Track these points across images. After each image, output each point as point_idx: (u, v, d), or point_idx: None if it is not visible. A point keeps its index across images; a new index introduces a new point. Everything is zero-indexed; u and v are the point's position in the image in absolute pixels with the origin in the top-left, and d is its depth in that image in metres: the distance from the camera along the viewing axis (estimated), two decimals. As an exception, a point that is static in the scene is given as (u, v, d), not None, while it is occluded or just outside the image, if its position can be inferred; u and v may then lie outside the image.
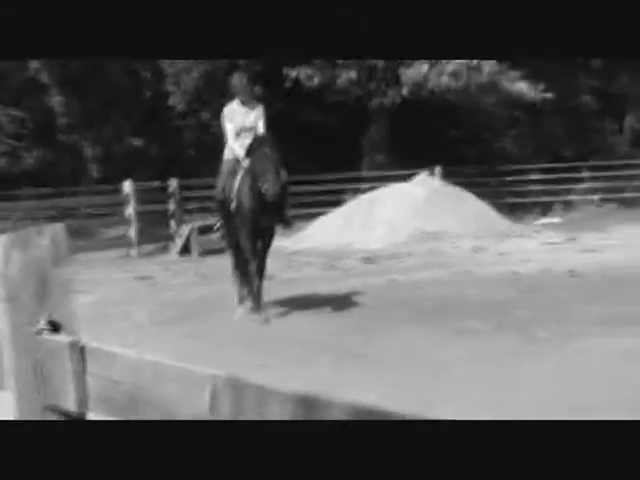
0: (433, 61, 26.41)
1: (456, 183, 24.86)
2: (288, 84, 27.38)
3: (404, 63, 26.64)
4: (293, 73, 26.79)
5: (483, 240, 21.36)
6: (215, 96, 28.94)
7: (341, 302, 13.51)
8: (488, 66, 26.63)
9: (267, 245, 12.75)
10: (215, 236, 22.02)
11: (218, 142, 29.94)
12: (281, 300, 13.96)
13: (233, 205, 12.41)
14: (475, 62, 26.51)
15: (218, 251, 21.08)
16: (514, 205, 26.77)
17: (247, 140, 12.44)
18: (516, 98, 27.56)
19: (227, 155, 12.92)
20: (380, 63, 26.88)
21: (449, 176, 25.61)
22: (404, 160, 26.54)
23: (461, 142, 30.13)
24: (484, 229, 22.59)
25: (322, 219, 23.69)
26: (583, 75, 30.55)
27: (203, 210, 25.40)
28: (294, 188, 26.29)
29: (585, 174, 28.06)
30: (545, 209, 27.40)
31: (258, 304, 12.47)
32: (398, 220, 22.28)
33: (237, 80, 13.34)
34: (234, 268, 13.27)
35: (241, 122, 12.61)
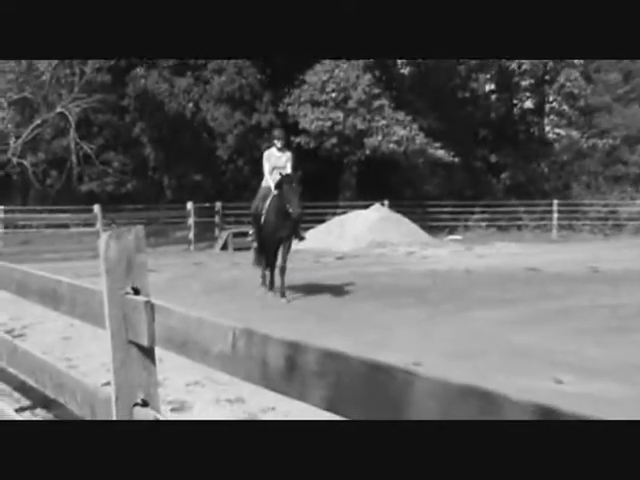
0: (385, 132, 26.57)
1: (397, 211, 25.05)
2: (294, 145, 27.48)
3: (366, 134, 26.77)
4: (297, 139, 26.83)
5: (413, 248, 21.45)
6: (247, 150, 29.02)
7: (321, 283, 13.49)
8: (418, 139, 26.77)
9: (287, 250, 11.94)
10: (246, 239, 22.40)
11: (248, 180, 30.23)
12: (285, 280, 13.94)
13: (262, 219, 11.81)
14: (411, 136, 26.64)
15: (246, 249, 21.20)
16: (432, 226, 26.82)
17: (277, 177, 11.79)
18: (436, 159, 27.70)
19: (263, 184, 12.35)
20: (352, 134, 26.98)
21: (393, 206, 25.76)
22: (365, 195, 26.67)
23: (401, 185, 30.24)
24: (414, 241, 22.72)
25: (312, 231, 23.77)
26: (477, 148, 30.64)
27: (237, 222, 25.64)
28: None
29: (477, 209, 28.15)
30: (452, 230, 27.46)
31: (283, 290, 11.81)
32: (360, 233, 22.47)
33: (278, 132, 12.90)
34: (258, 262, 12.67)
35: (275, 162, 12.09)
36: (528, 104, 34.42)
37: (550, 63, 29.43)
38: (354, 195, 28.68)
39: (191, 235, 22.40)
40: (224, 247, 21.40)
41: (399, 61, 31.27)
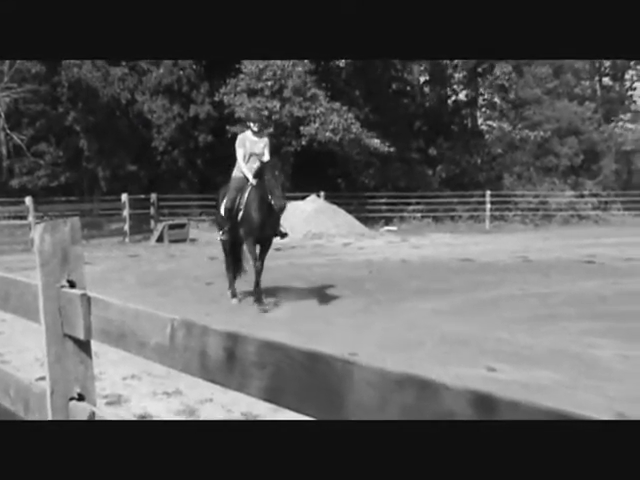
0: (322, 120, 26.56)
1: (333, 202, 25.15)
2: (229, 135, 27.37)
3: (303, 122, 26.78)
4: (232, 129, 26.71)
5: (349, 239, 21.57)
6: (183, 141, 28.76)
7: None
8: (354, 128, 26.87)
9: (266, 250, 10.50)
10: (179, 231, 22.24)
11: (183, 171, 29.95)
12: (221, 273, 13.85)
13: (240, 215, 10.25)
14: (347, 125, 26.70)
15: (180, 241, 21.09)
16: (368, 217, 27.02)
17: (254, 164, 10.32)
18: (372, 150, 27.82)
19: (236, 173, 10.65)
20: (289, 123, 26.94)
21: (329, 198, 25.87)
22: (301, 187, 26.65)
23: (337, 176, 30.35)
24: (350, 232, 22.84)
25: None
26: (412, 140, 30.91)
27: (172, 214, 25.47)
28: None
29: (412, 200, 28.42)
30: (387, 221, 27.68)
31: (259, 296, 10.29)
32: (297, 225, 22.39)
33: (254, 113, 11.47)
34: (228, 267, 11.09)
35: (250, 148, 10.40)
36: (461, 96, 34.92)
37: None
38: (290, 186, 28.62)
39: (126, 227, 22.10)
40: (160, 239, 21.18)
41: (334, 53, 31.25)
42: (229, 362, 1.83)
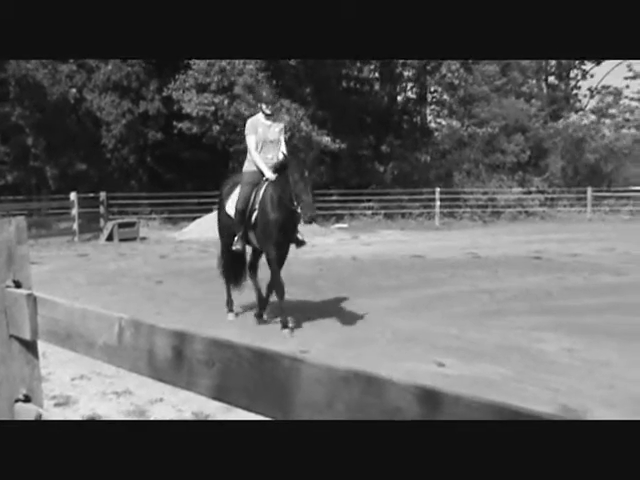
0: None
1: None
2: (176, 131, 27.29)
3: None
4: (179, 125, 26.73)
5: (300, 237, 21.56)
6: (133, 139, 28.46)
7: (209, 272, 13.39)
8: (304, 125, 26.91)
9: (283, 260, 8.92)
10: (129, 229, 22.03)
11: (134, 169, 29.64)
12: (171, 271, 13.79)
13: (254, 216, 8.55)
14: (297, 122, 26.72)
15: (131, 239, 20.91)
16: (320, 215, 27.00)
17: (269, 155, 8.67)
18: (323, 147, 27.88)
19: (247, 167, 8.83)
20: (236, 120, 26.88)
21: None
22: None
23: (288, 174, 30.33)
24: (301, 229, 22.82)
25: (199, 220, 23.64)
26: (363, 137, 31.03)
27: (122, 213, 25.25)
28: (180, 200, 26.35)
29: (364, 197, 28.55)
30: (339, 218, 27.76)
31: (285, 318, 8.57)
32: (247, 222, 22.36)
33: (267, 92, 9.54)
34: (228, 277, 9.62)
35: (263, 134, 8.68)
36: (411, 94, 35.18)
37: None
38: (241, 184, 28.62)
39: (75, 226, 21.81)
40: (110, 238, 20.95)
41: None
42: (177, 361, 1.83)
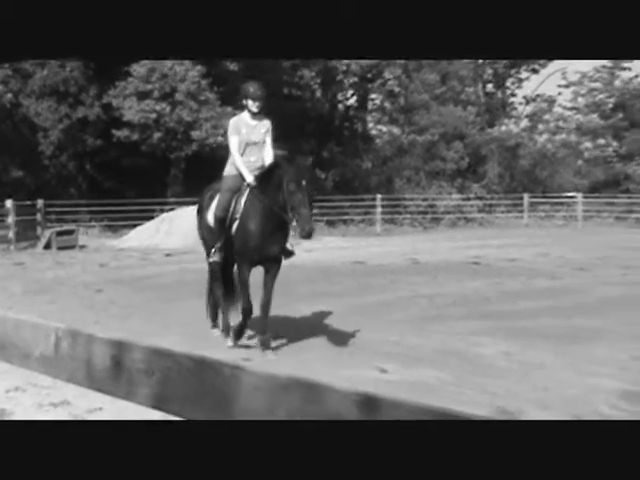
0: (213, 124, 26.48)
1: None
2: (115, 139, 26.99)
3: (193, 127, 26.63)
4: (118, 133, 26.50)
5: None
6: (71, 145, 28.01)
7: (150, 280, 13.28)
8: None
9: (274, 277, 7.80)
10: (68, 237, 21.67)
11: (73, 176, 29.15)
12: (111, 279, 13.61)
13: (235, 226, 7.62)
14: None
15: (69, 247, 20.57)
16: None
17: (252, 157, 7.83)
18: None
19: (229, 170, 7.98)
20: (178, 127, 26.74)
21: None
22: (194, 191, 26.53)
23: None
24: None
25: (139, 228, 23.46)
26: (304, 144, 31.12)
27: (60, 220, 24.81)
28: (120, 208, 26.06)
29: (305, 204, 28.57)
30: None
31: (267, 339, 7.65)
32: (188, 230, 22.24)
33: (255, 87, 8.06)
34: (216, 298, 8.59)
35: (248, 135, 7.87)
36: (352, 101, 35.42)
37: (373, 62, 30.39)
38: (182, 191, 28.49)
39: (11, 234, 21.34)
40: (47, 246, 20.57)
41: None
42: (116, 370, 1.81)
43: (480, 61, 41.27)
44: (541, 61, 40.87)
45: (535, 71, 41.89)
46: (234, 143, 7.88)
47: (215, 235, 7.95)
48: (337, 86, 34.08)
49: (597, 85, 39.40)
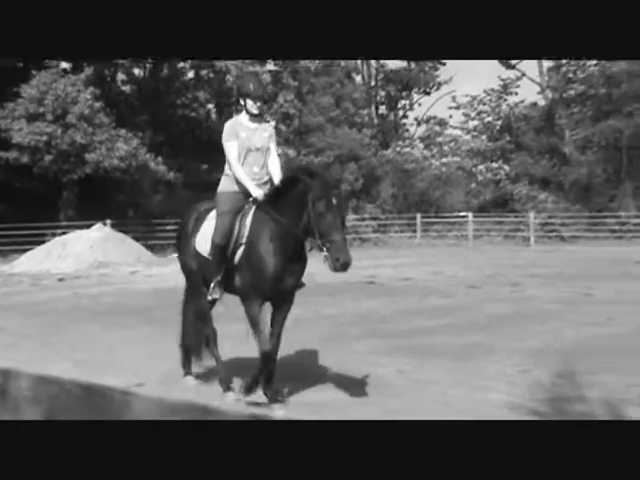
0: (108, 147, 26.18)
1: (120, 230, 24.79)
2: (2, 162, 26.29)
3: (87, 149, 26.20)
4: (7, 155, 25.83)
5: (136, 267, 21.26)
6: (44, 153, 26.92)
7: (41, 306, 12.90)
8: (141, 154, 26.89)
9: (285, 314, 6.45)
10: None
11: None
12: (0, 305, 13.16)
13: (239, 254, 6.19)
14: (133, 151, 26.50)
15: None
16: (157, 245, 26.73)
17: (255, 167, 6.36)
18: (159, 176, 27.77)
19: (225, 186, 6.49)
20: (71, 150, 26.22)
21: (116, 225, 25.57)
22: (87, 215, 26.07)
23: (124, 204, 29.92)
24: (137, 260, 22.57)
25: (30, 253, 22.89)
26: (199, 166, 30.97)
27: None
28: (10, 232, 25.22)
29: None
30: (175, 248, 27.49)
31: (273, 393, 6.21)
32: (82, 254, 21.90)
33: (256, 84, 6.55)
34: (208, 336, 7.28)
35: (247, 140, 6.37)
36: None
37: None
38: (75, 215, 27.92)
39: None
40: None
41: (120, 78, 31.05)
42: (1, 398, 1.76)
43: (372, 83, 42.20)
44: (431, 84, 42.16)
45: (427, 93, 43.14)
46: (232, 150, 6.36)
47: (212, 267, 6.46)
48: (232, 108, 34.10)
49: (485, 108, 40.90)
